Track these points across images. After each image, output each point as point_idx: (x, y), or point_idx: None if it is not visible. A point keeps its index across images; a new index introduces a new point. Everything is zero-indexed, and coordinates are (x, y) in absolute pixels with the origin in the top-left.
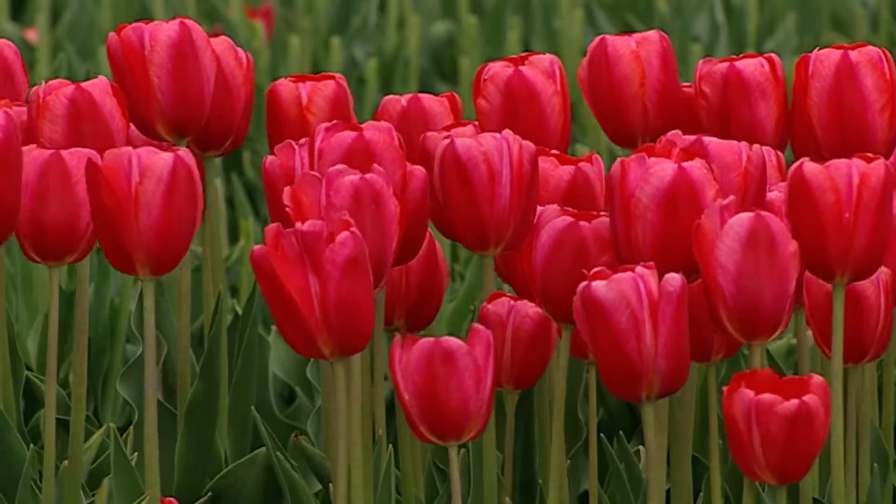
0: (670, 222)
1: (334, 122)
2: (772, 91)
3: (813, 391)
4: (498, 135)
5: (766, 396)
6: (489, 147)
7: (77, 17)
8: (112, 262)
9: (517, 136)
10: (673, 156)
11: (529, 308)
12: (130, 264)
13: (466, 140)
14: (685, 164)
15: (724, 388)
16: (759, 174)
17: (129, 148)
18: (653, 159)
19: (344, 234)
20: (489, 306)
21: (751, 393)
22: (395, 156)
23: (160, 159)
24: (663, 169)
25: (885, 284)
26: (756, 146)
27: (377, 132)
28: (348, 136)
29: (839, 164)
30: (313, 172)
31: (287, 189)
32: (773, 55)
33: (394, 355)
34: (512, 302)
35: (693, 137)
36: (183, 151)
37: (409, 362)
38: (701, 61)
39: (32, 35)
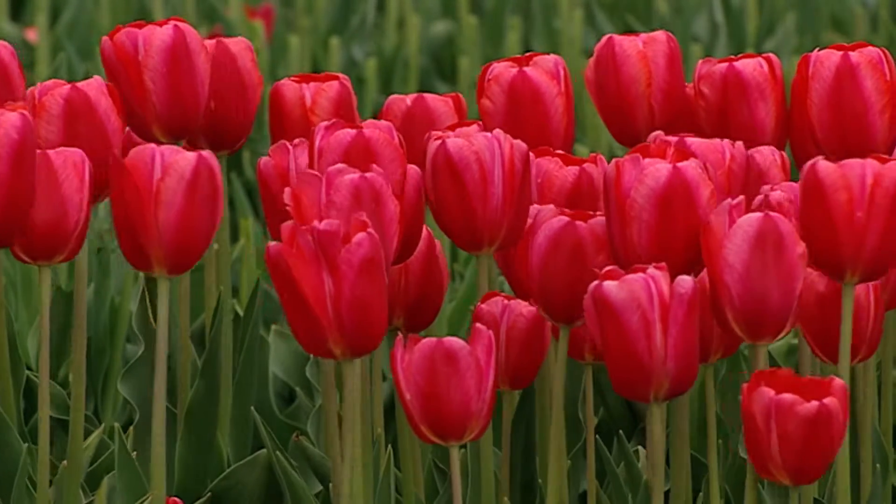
0: (666, 222)
1: (334, 120)
2: (771, 91)
3: (833, 394)
4: (489, 134)
5: (787, 396)
6: (481, 147)
7: (77, 17)
8: (129, 258)
9: (508, 136)
10: (668, 156)
11: (523, 307)
12: (147, 262)
13: (458, 140)
14: (680, 163)
15: (744, 385)
16: (743, 173)
17: (154, 145)
18: (647, 160)
19: (361, 235)
20: (483, 306)
21: (771, 392)
22: (395, 154)
23: (183, 158)
24: (658, 169)
25: (874, 284)
26: (739, 144)
27: (377, 130)
28: (348, 134)
29: (853, 163)
30: (313, 171)
31: (287, 189)
32: (771, 55)
33: (395, 355)
34: (506, 301)
35: (676, 138)
36: (207, 152)
37: (411, 362)
38: (700, 61)
39: (32, 35)
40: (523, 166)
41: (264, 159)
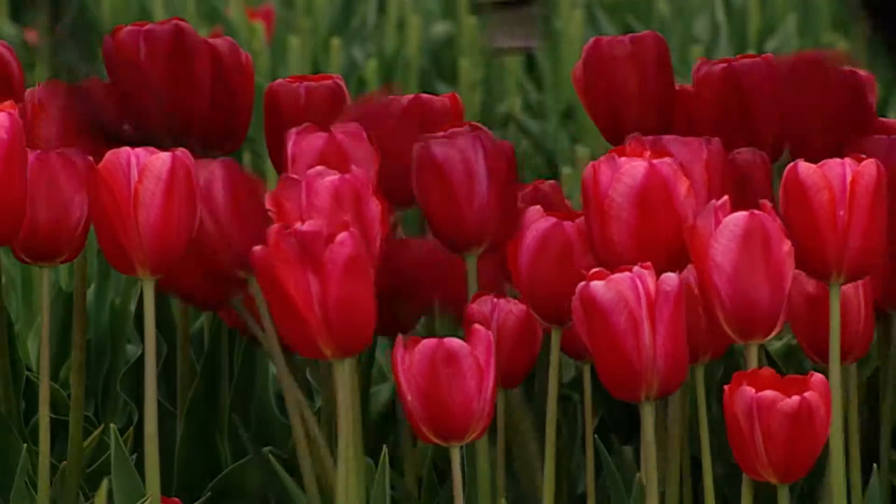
0: (645, 220)
1: (305, 124)
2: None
3: (813, 388)
4: (472, 135)
5: (768, 394)
6: (465, 146)
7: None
8: (112, 262)
9: (490, 135)
10: (644, 155)
11: (513, 305)
12: (130, 264)
13: (442, 141)
14: (655, 161)
15: (725, 387)
16: (722, 168)
17: (128, 148)
18: (623, 158)
19: (343, 235)
20: (474, 305)
21: (752, 390)
22: (367, 154)
23: (158, 159)
24: (634, 167)
25: (864, 284)
26: (716, 141)
27: (347, 132)
28: (319, 138)
29: (832, 163)
30: (293, 175)
31: (268, 194)
32: (771, 56)
33: (396, 356)
34: (495, 300)
35: (652, 137)
36: (181, 151)
37: (413, 363)
38: (698, 62)
39: (32, 35)
40: (508, 165)
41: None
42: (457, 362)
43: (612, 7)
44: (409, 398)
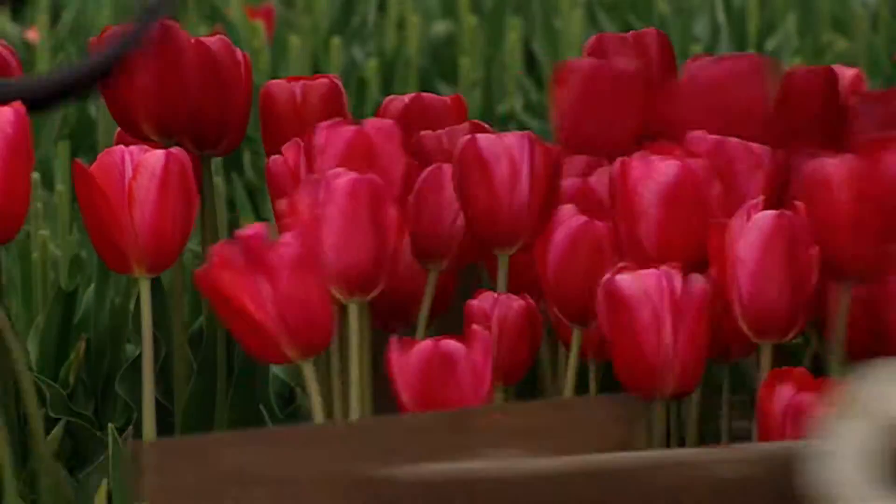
0: (674, 219)
1: (335, 118)
2: (761, 90)
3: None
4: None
5: (807, 396)
6: (511, 143)
7: (77, 17)
8: (107, 262)
9: (539, 138)
10: (676, 154)
11: (514, 301)
12: (126, 263)
13: (489, 136)
14: (689, 160)
15: (762, 384)
16: (782, 179)
17: (122, 146)
18: (655, 157)
19: (287, 235)
20: (474, 302)
21: (790, 391)
22: (397, 152)
23: (152, 156)
24: (668, 166)
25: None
26: (781, 152)
27: (377, 128)
28: (348, 131)
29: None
30: (313, 175)
31: (281, 200)
32: (765, 55)
33: (392, 358)
34: (496, 296)
35: (715, 139)
36: (175, 149)
37: (408, 366)
38: (689, 59)
39: (33, 35)
40: (552, 170)
41: (274, 158)
42: (453, 365)
43: (612, 6)
44: (405, 399)
